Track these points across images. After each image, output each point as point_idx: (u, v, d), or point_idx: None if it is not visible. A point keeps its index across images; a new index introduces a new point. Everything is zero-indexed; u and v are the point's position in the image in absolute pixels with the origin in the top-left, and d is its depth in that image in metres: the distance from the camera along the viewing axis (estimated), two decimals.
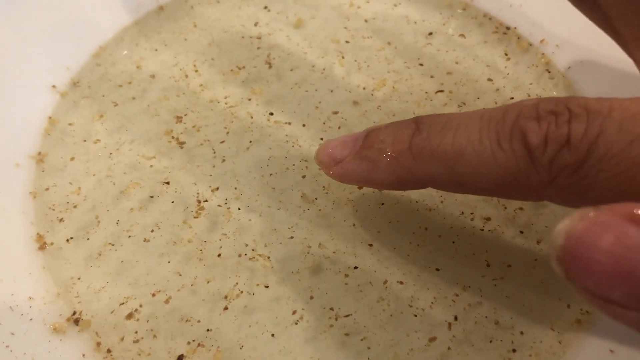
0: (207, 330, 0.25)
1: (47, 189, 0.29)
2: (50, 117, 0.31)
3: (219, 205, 0.28)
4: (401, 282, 0.26)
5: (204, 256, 0.27)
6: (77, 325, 0.25)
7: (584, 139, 0.18)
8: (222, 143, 0.30)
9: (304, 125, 0.31)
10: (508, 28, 0.34)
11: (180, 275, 0.27)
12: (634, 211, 0.15)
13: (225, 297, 0.26)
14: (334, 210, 0.28)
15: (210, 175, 0.29)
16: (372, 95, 0.32)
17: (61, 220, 0.28)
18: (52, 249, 0.27)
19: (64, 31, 0.34)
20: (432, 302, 0.26)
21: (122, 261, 0.27)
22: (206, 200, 0.29)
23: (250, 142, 0.30)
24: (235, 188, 0.29)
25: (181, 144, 0.30)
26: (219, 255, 0.27)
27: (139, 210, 0.28)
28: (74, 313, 0.26)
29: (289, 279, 0.26)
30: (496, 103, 0.32)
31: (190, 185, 0.29)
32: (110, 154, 0.30)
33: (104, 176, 0.29)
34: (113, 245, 0.27)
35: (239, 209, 0.28)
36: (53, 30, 0.34)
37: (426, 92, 0.32)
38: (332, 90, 0.32)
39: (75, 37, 0.34)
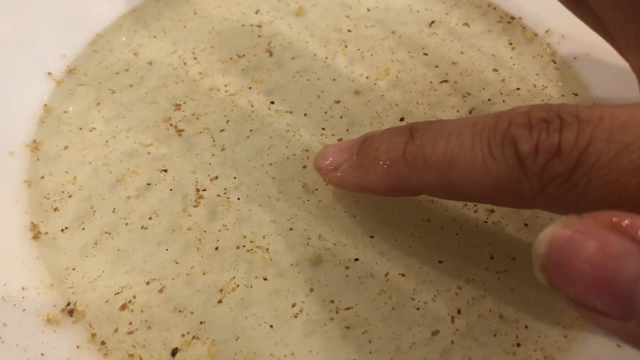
0: (201, 322, 0.25)
1: (42, 178, 0.29)
2: (45, 105, 0.31)
3: (218, 195, 0.28)
4: (403, 275, 0.26)
5: (202, 246, 0.26)
6: (71, 316, 0.25)
7: (574, 149, 0.18)
8: (222, 131, 0.30)
9: (305, 114, 0.30)
10: (513, 18, 0.34)
11: (177, 263, 0.26)
12: (615, 220, 0.15)
13: (221, 290, 0.25)
14: (335, 202, 0.27)
15: (210, 163, 0.29)
16: (375, 84, 0.31)
17: (56, 209, 0.28)
18: (47, 238, 0.27)
19: (60, 18, 0.33)
20: (434, 295, 0.25)
21: (118, 249, 0.26)
22: (205, 190, 0.28)
23: (251, 131, 0.30)
24: (235, 177, 0.28)
25: (180, 131, 0.30)
26: (217, 248, 0.26)
27: (136, 198, 0.28)
28: (68, 304, 0.25)
29: (288, 271, 0.26)
30: (501, 94, 0.31)
31: (188, 174, 0.28)
32: (107, 141, 0.30)
33: (100, 164, 0.29)
34: (109, 233, 0.27)
35: (239, 198, 0.28)
36: (49, 17, 0.33)
37: (430, 82, 0.31)
38: (334, 80, 0.32)
39: (72, 24, 0.33)
